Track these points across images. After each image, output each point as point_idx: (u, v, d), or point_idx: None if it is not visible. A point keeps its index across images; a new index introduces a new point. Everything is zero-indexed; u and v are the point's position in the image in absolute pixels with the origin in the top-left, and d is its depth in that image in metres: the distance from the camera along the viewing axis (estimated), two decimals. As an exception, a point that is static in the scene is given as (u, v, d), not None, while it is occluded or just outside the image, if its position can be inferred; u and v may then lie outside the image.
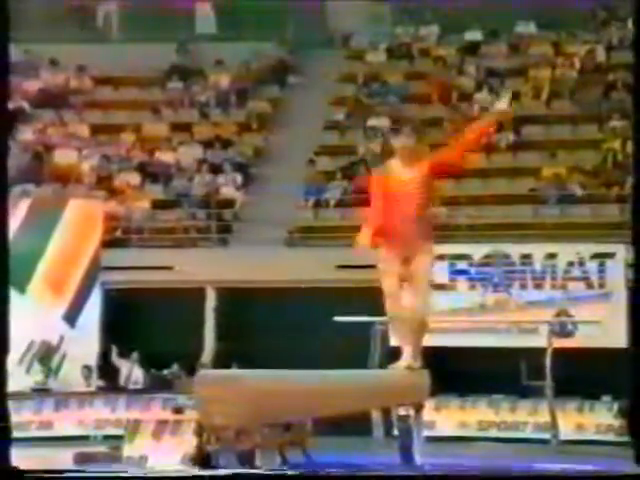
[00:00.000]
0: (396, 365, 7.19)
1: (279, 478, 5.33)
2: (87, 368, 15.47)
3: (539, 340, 14.52)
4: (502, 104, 7.35)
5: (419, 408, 7.42)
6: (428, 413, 10.45)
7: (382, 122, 17.93)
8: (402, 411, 7.92)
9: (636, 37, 5.49)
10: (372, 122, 18.07)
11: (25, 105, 19.02)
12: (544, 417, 14.21)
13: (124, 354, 15.74)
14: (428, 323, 7.42)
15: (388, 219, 6.90)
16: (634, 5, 5.68)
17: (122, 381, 15.71)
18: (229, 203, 17.49)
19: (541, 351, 14.01)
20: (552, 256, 15.33)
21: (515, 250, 15.51)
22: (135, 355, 15.66)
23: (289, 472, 6.49)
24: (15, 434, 15.77)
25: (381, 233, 6.91)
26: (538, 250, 15.42)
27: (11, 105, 18.89)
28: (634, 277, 5.76)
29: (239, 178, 17.74)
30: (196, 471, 6.08)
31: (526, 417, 14.58)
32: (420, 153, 7.05)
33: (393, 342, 15.13)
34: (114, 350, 15.74)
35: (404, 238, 6.88)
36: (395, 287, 7.02)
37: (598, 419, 14.14)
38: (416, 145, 7.01)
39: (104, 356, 15.73)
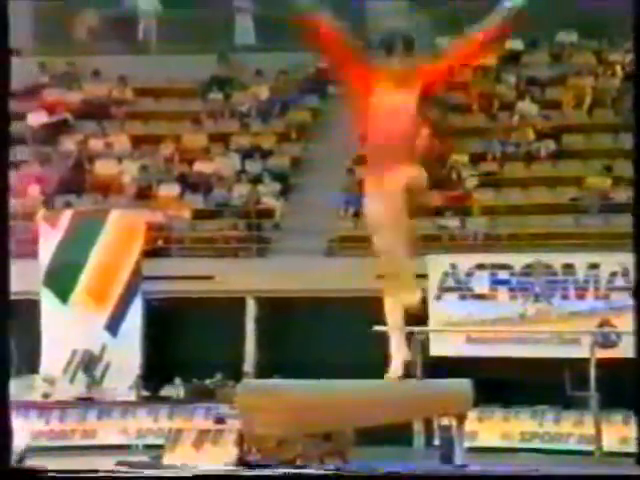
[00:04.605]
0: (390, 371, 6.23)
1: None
2: (140, 377, 15.59)
3: (581, 351, 14.39)
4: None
5: (461, 418, 7.37)
6: (470, 423, 10.40)
7: (422, 132, 17.87)
8: (444, 421, 7.88)
9: (636, 41, 5.31)
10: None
11: (68, 117, 19.21)
12: (588, 429, 14.06)
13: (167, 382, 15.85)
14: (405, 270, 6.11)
15: (371, 143, 6.04)
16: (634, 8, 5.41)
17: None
18: (269, 213, 17.54)
19: (585, 362, 13.88)
20: (595, 266, 15.20)
21: (557, 260, 15.40)
22: (178, 380, 15.76)
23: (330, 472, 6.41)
24: (59, 442, 15.89)
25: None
26: (580, 260, 15.30)
27: (54, 117, 19.12)
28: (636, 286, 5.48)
29: (279, 188, 17.79)
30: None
31: (570, 428, 14.44)
32: (412, 73, 6.10)
33: (433, 351, 15.15)
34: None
35: (388, 165, 5.98)
36: (380, 222, 6.00)
37: (644, 431, 13.95)
38: (409, 66, 6.08)
39: (147, 367, 15.83)
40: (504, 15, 6.06)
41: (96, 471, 5.05)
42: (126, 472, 5.34)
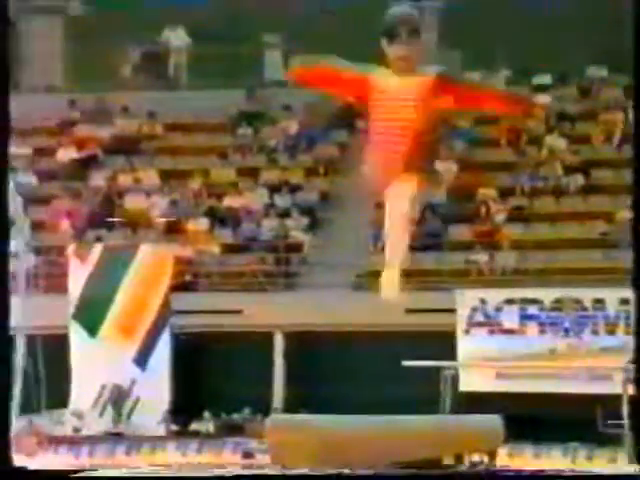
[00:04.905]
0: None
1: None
2: (169, 412, 15.57)
3: (612, 387, 14.23)
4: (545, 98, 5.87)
5: (492, 455, 7.31)
6: (501, 460, 10.30)
7: (451, 166, 17.91)
8: (474, 457, 7.82)
9: (636, 58, 5.25)
10: (440, 166, 18.06)
11: (98, 152, 19.39)
12: (622, 467, 13.86)
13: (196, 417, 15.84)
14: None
15: (375, 141, 5.16)
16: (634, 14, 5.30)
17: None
18: (297, 247, 17.56)
19: (617, 398, 13.73)
20: (625, 301, 15.08)
21: (587, 295, 15.30)
22: (207, 414, 15.75)
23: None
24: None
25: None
26: (611, 295, 15.19)
27: (84, 153, 19.31)
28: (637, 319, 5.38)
29: (307, 222, 17.83)
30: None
31: (604, 466, 14.24)
32: (420, 62, 5.36)
33: (463, 386, 15.04)
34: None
35: (388, 169, 5.11)
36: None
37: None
38: (416, 54, 5.33)
39: (176, 401, 15.81)
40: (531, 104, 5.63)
41: (96, 469, 5.06)
42: (127, 472, 5.33)
